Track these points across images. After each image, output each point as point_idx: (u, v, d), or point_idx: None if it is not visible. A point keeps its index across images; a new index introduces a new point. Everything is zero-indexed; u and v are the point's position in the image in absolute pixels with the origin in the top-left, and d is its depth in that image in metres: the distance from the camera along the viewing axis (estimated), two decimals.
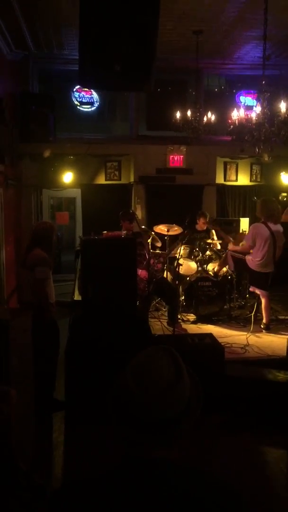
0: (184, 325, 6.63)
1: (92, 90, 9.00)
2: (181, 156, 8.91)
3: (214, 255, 7.45)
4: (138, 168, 8.90)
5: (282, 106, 5.01)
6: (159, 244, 7.25)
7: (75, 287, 6.45)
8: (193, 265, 7.29)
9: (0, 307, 6.58)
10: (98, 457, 3.77)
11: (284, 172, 9.17)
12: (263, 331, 6.39)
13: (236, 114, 5.29)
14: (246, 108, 5.60)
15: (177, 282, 6.88)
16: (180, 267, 6.86)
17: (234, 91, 9.83)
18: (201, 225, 7.74)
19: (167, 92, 9.27)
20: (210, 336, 5.23)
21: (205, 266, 7.31)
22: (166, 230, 7.35)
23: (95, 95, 9.22)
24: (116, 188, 9.08)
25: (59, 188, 9.04)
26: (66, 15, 6.61)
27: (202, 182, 9.02)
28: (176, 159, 8.93)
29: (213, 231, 7.83)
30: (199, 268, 7.27)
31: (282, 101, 5.03)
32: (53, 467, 3.89)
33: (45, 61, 8.92)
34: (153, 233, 7.28)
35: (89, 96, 9.23)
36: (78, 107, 9.24)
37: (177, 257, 6.45)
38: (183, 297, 7.16)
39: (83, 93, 9.19)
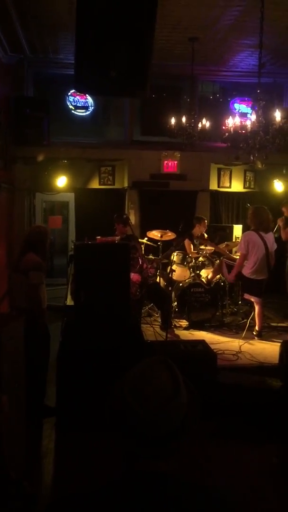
0: (176, 331, 6.62)
1: (87, 95, 9.00)
2: (175, 162, 8.93)
3: (207, 261, 7.46)
4: (132, 173, 8.90)
5: (277, 114, 5.03)
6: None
7: (68, 291, 6.43)
8: (186, 271, 7.29)
9: None
10: (89, 465, 3.75)
11: (277, 180, 9.22)
12: (256, 338, 6.40)
13: (231, 122, 5.31)
14: (241, 115, 5.62)
15: (170, 288, 6.87)
16: (173, 273, 6.86)
17: (228, 98, 9.87)
18: (197, 230, 7.71)
19: (162, 98, 9.29)
20: (202, 342, 5.23)
21: (198, 272, 7.31)
22: (159, 235, 7.35)
23: (90, 100, 9.22)
24: (109, 193, 9.07)
25: (53, 192, 9.02)
26: (62, 19, 6.61)
27: (196, 188, 9.04)
28: (170, 164, 8.94)
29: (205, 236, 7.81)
30: (192, 274, 7.27)
31: (277, 109, 5.05)
32: (44, 475, 3.86)
33: (40, 65, 8.90)
34: (144, 241, 7.28)
35: (84, 101, 9.23)
36: (72, 111, 9.23)
37: (171, 262, 6.46)
38: (175, 303, 7.15)
39: (78, 97, 9.18)
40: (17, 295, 4.75)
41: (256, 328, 6.47)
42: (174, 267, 7.00)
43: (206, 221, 7.82)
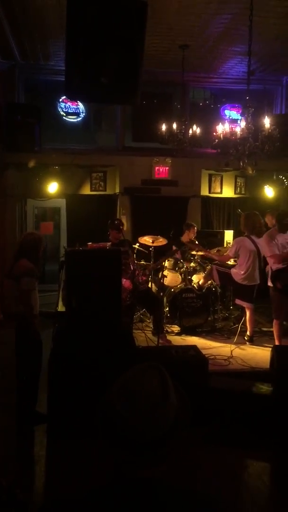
0: (168, 337, 6.62)
1: (78, 101, 9.02)
2: (167, 168, 8.96)
3: (198, 266, 7.48)
4: (124, 179, 8.92)
5: (266, 121, 5.08)
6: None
7: (59, 298, 6.41)
8: (177, 276, 7.30)
9: None
10: (81, 471, 3.74)
11: (268, 185, 9.29)
12: (247, 343, 6.42)
13: (221, 128, 5.35)
14: (231, 122, 5.67)
15: (161, 294, 6.88)
16: (165, 278, 6.88)
17: (218, 105, 9.94)
18: (185, 237, 7.74)
19: (153, 105, 9.34)
20: (194, 348, 5.23)
21: (189, 277, 7.33)
22: (151, 241, 7.37)
23: (81, 106, 9.24)
24: (101, 199, 9.08)
25: (44, 198, 9.01)
26: (53, 26, 6.64)
27: (187, 194, 9.07)
28: (162, 170, 8.98)
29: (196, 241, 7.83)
30: (184, 280, 7.29)
31: (266, 116, 5.10)
32: (35, 481, 3.84)
33: (31, 71, 8.92)
34: (136, 246, 7.29)
35: (75, 107, 9.25)
36: (64, 117, 9.24)
37: (162, 268, 6.47)
38: (167, 309, 7.16)
39: (69, 103, 9.20)
40: (9, 301, 4.74)
41: (248, 333, 6.49)
42: (165, 272, 7.02)
43: (195, 227, 7.86)
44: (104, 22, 3.44)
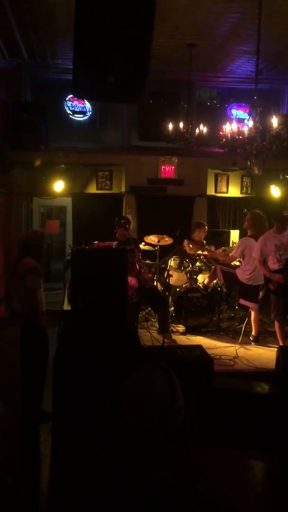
0: (173, 336, 6.62)
1: (84, 100, 9.02)
2: (173, 167, 8.95)
3: (204, 266, 7.46)
4: (130, 178, 8.91)
5: (274, 120, 5.06)
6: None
7: (65, 296, 6.42)
8: (183, 276, 7.29)
9: None
10: (86, 471, 3.73)
11: (274, 185, 9.25)
12: (252, 343, 6.40)
13: (229, 128, 5.33)
14: (238, 121, 5.65)
15: (167, 293, 6.87)
16: (170, 278, 6.86)
17: (226, 104, 9.91)
18: (196, 235, 7.69)
19: (160, 104, 9.32)
20: (199, 347, 5.22)
21: (195, 277, 7.31)
22: (157, 240, 7.36)
23: (87, 105, 9.25)
24: (107, 198, 9.08)
25: (50, 196, 9.02)
26: (60, 25, 6.64)
27: (193, 193, 9.05)
28: (168, 170, 8.96)
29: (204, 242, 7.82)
30: (189, 279, 7.27)
31: (274, 115, 5.08)
32: (40, 481, 3.84)
33: (38, 70, 8.93)
34: (142, 246, 7.29)
35: (82, 106, 9.25)
36: (70, 116, 9.25)
37: (167, 267, 6.46)
38: (172, 308, 7.15)
39: (75, 102, 9.20)
40: (15, 300, 4.75)
41: (253, 333, 6.47)
42: (171, 272, 7.00)
43: (206, 226, 7.81)
44: (112, 20, 3.43)
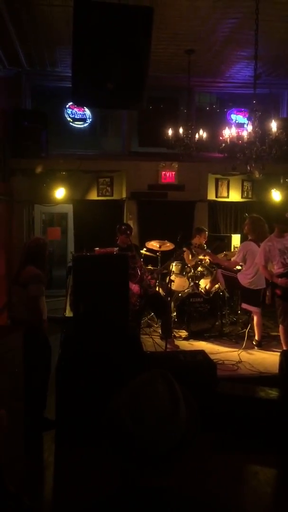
0: (176, 342, 6.60)
1: (84, 107, 9.06)
2: (173, 173, 8.97)
3: (206, 271, 7.46)
4: (130, 184, 8.93)
5: (273, 125, 5.07)
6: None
7: (67, 303, 6.41)
8: (185, 281, 7.28)
9: None
10: (89, 478, 3.72)
11: (275, 189, 9.26)
12: (255, 347, 6.38)
13: (228, 132, 5.34)
14: (237, 126, 5.67)
15: (169, 298, 6.86)
16: (172, 283, 6.86)
17: (225, 109, 9.94)
18: (196, 241, 7.71)
19: (159, 110, 9.37)
20: (202, 353, 5.21)
21: (197, 282, 7.30)
22: (158, 246, 7.37)
23: (87, 112, 9.28)
24: (108, 204, 9.10)
25: (51, 203, 9.04)
26: (59, 33, 6.68)
27: (194, 198, 9.07)
28: (168, 175, 8.98)
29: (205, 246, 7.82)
30: (191, 284, 7.26)
31: (273, 120, 5.09)
32: (43, 488, 3.82)
33: (38, 78, 8.97)
34: (143, 251, 7.28)
35: (82, 113, 9.29)
36: (70, 123, 9.29)
37: (170, 273, 6.46)
38: (175, 313, 7.14)
39: (75, 109, 9.24)
40: (17, 307, 4.75)
41: (256, 338, 6.46)
42: (173, 277, 7.00)
43: (206, 232, 7.82)
44: (110, 28, 3.46)
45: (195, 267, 7.42)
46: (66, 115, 9.23)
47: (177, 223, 8.13)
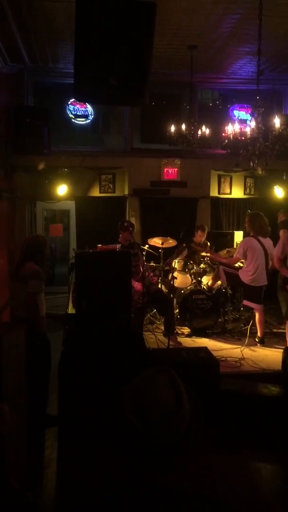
0: (178, 339, 6.60)
1: (86, 104, 9.04)
2: (176, 169, 8.95)
3: (208, 268, 7.45)
4: (133, 180, 8.92)
5: (276, 121, 5.04)
6: None
7: (69, 300, 6.42)
8: (187, 278, 7.27)
9: None
10: (92, 474, 3.72)
11: (277, 186, 9.23)
12: (258, 344, 6.37)
13: (231, 129, 5.32)
14: (240, 122, 5.64)
15: (171, 295, 6.86)
16: (175, 280, 6.85)
17: (228, 105, 9.91)
18: (198, 238, 7.72)
19: (162, 106, 9.33)
20: (205, 349, 5.21)
21: (199, 279, 7.29)
22: (160, 243, 7.36)
23: (89, 108, 9.26)
24: (110, 201, 9.09)
25: (53, 200, 9.03)
26: (61, 29, 6.65)
27: (196, 195, 9.05)
28: (171, 172, 8.96)
29: (208, 243, 7.82)
30: (194, 281, 7.25)
31: (276, 116, 5.07)
32: (46, 484, 3.83)
33: (40, 74, 8.95)
34: (146, 248, 7.28)
35: (84, 109, 9.26)
36: (72, 120, 9.27)
37: (172, 270, 6.44)
38: (177, 310, 7.13)
39: (78, 106, 9.22)
40: (17, 304, 4.74)
41: (258, 334, 6.45)
42: (175, 274, 6.98)
43: (206, 228, 7.84)
44: (113, 23, 3.44)
45: (197, 263, 7.41)
46: (68, 112, 9.21)
47: (179, 219, 8.12)
